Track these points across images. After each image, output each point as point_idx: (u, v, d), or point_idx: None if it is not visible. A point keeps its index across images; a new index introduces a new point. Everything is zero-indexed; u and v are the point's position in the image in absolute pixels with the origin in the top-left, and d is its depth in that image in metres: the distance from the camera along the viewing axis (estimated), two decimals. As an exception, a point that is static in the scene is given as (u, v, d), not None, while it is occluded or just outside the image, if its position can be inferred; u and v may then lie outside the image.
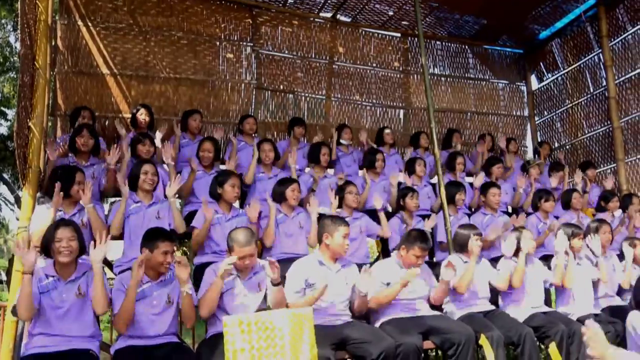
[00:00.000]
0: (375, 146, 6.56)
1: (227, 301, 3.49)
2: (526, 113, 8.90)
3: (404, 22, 7.97)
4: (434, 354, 5.04)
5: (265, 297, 3.61)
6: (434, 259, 5.26)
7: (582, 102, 8.00)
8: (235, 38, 7.14)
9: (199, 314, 3.50)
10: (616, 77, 7.38)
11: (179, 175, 4.55)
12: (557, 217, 5.78)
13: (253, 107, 7.17)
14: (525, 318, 4.17)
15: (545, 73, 8.64)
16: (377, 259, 5.50)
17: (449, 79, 8.45)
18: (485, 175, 6.18)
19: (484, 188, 5.54)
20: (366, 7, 7.49)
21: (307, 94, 7.56)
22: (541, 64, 8.67)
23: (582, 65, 7.98)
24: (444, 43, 8.46)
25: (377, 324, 3.88)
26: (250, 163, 5.38)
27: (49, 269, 3.34)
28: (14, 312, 3.35)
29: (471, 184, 6.22)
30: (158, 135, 5.50)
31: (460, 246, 4.35)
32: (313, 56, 7.60)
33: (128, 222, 4.20)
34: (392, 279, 3.92)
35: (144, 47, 6.59)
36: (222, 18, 7.03)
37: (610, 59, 7.38)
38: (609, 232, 4.96)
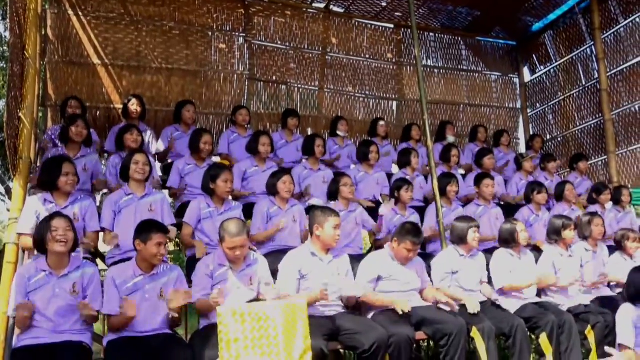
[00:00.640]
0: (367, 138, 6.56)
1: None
2: (519, 105, 8.93)
3: (397, 14, 7.95)
4: (425, 344, 5.07)
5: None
6: (426, 250, 5.28)
7: (574, 95, 8.03)
8: (228, 28, 7.10)
9: (193, 308, 3.51)
10: (608, 70, 7.41)
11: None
12: (549, 209, 5.83)
13: (246, 98, 7.14)
14: (516, 309, 4.21)
15: (538, 65, 8.67)
16: (369, 250, 5.51)
17: (442, 71, 8.46)
18: (477, 167, 6.23)
19: (478, 179, 5.56)
20: (359, -2, 7.47)
21: (300, 85, 7.54)
22: (534, 56, 8.69)
23: (574, 58, 8.01)
24: (437, 35, 8.46)
25: (370, 315, 3.89)
26: (244, 155, 5.36)
27: (41, 263, 3.32)
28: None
29: (463, 176, 6.24)
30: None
31: (459, 238, 4.35)
32: (306, 47, 7.57)
33: (120, 215, 4.14)
34: (384, 272, 3.94)
35: (135, 37, 6.53)
36: (215, 8, 6.98)
37: (602, 51, 7.40)
38: (601, 225, 4.99)
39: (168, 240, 3.51)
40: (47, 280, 3.27)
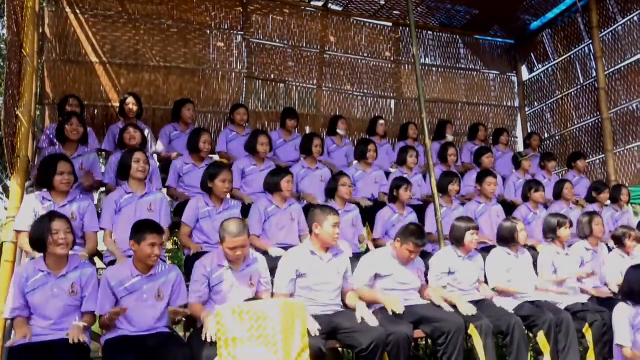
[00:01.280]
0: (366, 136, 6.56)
1: (218, 292, 3.50)
2: (517, 104, 8.94)
3: (395, 12, 7.95)
4: (424, 343, 5.08)
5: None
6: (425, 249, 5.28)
7: (572, 93, 8.04)
8: (226, 27, 7.08)
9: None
10: (606, 68, 7.42)
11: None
12: (546, 207, 5.84)
13: (244, 96, 7.13)
14: (514, 307, 4.21)
15: (536, 64, 8.67)
16: (367, 250, 5.51)
17: (440, 70, 8.45)
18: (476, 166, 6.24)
19: (480, 177, 5.57)
20: (358, -4, 7.47)
21: (298, 84, 7.54)
22: (532, 54, 8.70)
23: (572, 56, 8.02)
24: (435, 33, 8.45)
25: (368, 314, 3.90)
26: (243, 154, 5.36)
27: (39, 264, 3.31)
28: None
29: (462, 174, 6.23)
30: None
31: (457, 240, 4.36)
32: (304, 45, 7.57)
33: (120, 214, 4.13)
34: (384, 270, 3.95)
35: (133, 35, 6.52)
36: (213, 6, 6.97)
37: (600, 50, 7.41)
38: (601, 224, 5.00)
39: (164, 240, 3.49)
40: (45, 281, 3.27)
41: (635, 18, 7.07)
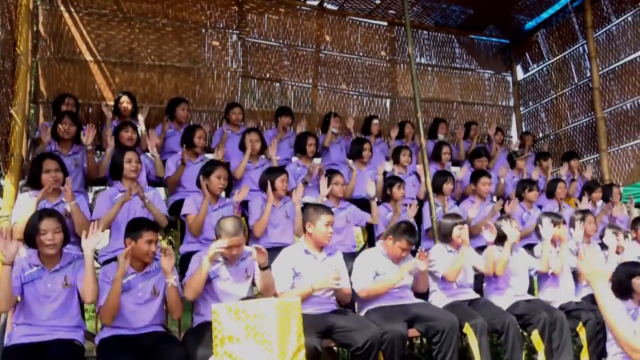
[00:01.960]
0: (361, 135, 6.55)
1: (214, 288, 3.49)
2: (511, 103, 8.96)
3: (390, 11, 7.95)
4: (418, 341, 5.09)
5: (252, 284, 3.62)
6: (422, 248, 5.28)
7: (567, 93, 8.07)
8: (221, 25, 7.07)
9: (186, 305, 3.49)
10: (600, 68, 7.45)
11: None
12: (540, 207, 5.85)
13: (239, 95, 7.12)
14: (508, 306, 4.23)
15: (531, 63, 8.70)
16: (363, 248, 5.52)
17: (435, 69, 8.46)
18: (470, 167, 6.24)
19: (475, 176, 5.58)
20: (353, -5, 7.47)
21: (293, 83, 7.53)
22: (527, 54, 8.73)
23: (566, 56, 8.04)
24: (430, 33, 8.46)
25: (363, 312, 3.91)
26: (237, 153, 5.35)
27: (33, 259, 3.30)
28: None
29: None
30: (141, 119, 5.43)
31: (444, 236, 4.38)
32: (300, 44, 7.56)
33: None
34: (380, 269, 3.95)
35: (128, 33, 6.50)
36: (208, 5, 6.95)
37: (594, 49, 7.43)
38: (593, 222, 5.02)
39: (160, 238, 3.49)
40: (39, 275, 3.26)
41: (629, 18, 7.10)
